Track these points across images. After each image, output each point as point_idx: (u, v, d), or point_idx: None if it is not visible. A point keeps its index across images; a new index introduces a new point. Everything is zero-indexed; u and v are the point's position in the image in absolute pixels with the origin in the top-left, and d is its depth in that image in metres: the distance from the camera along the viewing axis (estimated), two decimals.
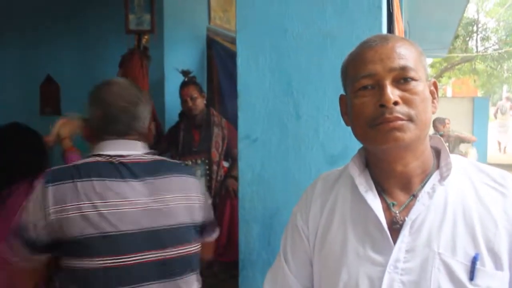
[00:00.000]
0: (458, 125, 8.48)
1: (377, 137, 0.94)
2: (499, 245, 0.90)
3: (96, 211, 1.37)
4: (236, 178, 2.85)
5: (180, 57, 4.05)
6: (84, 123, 1.59)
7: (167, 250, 1.43)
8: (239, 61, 1.55)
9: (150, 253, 1.42)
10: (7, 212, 2.02)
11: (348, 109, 1.02)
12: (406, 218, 0.95)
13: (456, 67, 16.79)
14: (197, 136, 3.50)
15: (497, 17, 17.13)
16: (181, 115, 3.61)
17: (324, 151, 1.49)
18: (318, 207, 1.09)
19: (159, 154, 1.57)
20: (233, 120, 3.32)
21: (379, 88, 0.94)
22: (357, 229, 1.00)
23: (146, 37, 3.62)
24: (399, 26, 1.97)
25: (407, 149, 0.95)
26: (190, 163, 3.40)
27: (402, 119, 0.91)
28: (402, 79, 0.94)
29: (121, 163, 1.44)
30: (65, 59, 4.29)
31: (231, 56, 3.92)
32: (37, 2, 4.23)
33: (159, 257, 1.43)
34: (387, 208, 0.98)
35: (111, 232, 1.39)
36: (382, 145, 0.94)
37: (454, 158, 1.00)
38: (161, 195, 1.43)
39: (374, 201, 0.98)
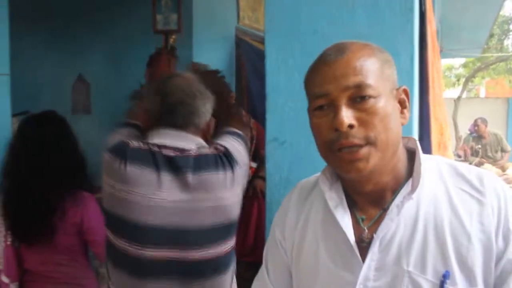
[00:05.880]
0: (491, 127, 8.25)
1: (338, 166, 0.89)
2: (473, 259, 0.85)
3: (126, 195, 1.40)
4: (263, 179, 2.83)
5: (209, 57, 4.05)
6: (144, 111, 1.59)
7: (189, 251, 1.41)
8: (268, 62, 1.54)
9: (170, 251, 1.41)
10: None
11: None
12: (374, 235, 0.90)
13: (491, 66, 16.39)
14: None
15: None
16: None
17: None
18: (293, 220, 1.05)
19: None
20: (261, 121, 3.30)
21: (334, 109, 0.87)
22: (329, 245, 0.96)
23: (173, 37, 3.64)
24: (432, 27, 1.92)
25: (375, 172, 0.89)
26: None
27: (359, 144, 0.85)
28: (358, 97, 0.86)
29: (163, 154, 1.42)
30: (96, 59, 4.36)
31: (260, 56, 3.91)
32: (70, 5, 4.30)
33: (180, 257, 1.41)
34: (357, 223, 0.93)
35: (134, 219, 1.40)
36: (345, 175, 0.90)
37: (429, 160, 0.93)
38: (196, 193, 1.40)
39: (344, 217, 0.93)
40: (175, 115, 1.47)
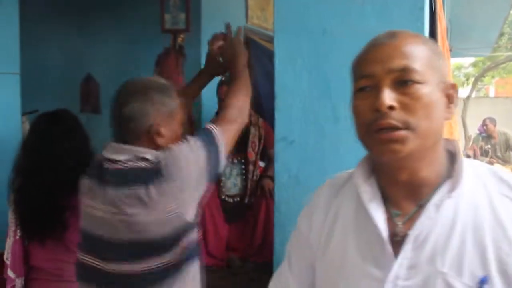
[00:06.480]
0: (501, 127, 8.18)
1: (374, 147, 0.87)
2: None
3: (84, 205, 1.50)
4: (271, 178, 2.84)
5: None
6: None
7: (108, 263, 1.43)
8: (277, 62, 1.54)
9: (96, 259, 1.45)
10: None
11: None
12: (409, 232, 0.87)
13: (500, 66, 16.26)
14: None
15: None
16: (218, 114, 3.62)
17: (364, 154, 1.45)
18: (321, 214, 1.03)
19: None
20: (270, 120, 3.30)
21: (377, 90, 0.86)
22: (359, 240, 0.94)
23: (181, 36, 3.65)
24: (442, 26, 1.91)
25: (411, 159, 0.86)
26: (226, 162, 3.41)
27: (397, 127, 0.83)
28: (403, 81, 0.85)
29: (100, 166, 1.46)
30: (104, 58, 4.38)
31: (269, 56, 3.91)
32: (79, 5, 4.32)
33: (101, 267, 1.44)
34: (390, 218, 0.91)
35: (83, 228, 1.52)
36: (380, 157, 0.88)
37: (470, 164, 0.91)
38: (111, 207, 1.40)
39: (377, 211, 0.91)
40: (112, 126, 1.48)
